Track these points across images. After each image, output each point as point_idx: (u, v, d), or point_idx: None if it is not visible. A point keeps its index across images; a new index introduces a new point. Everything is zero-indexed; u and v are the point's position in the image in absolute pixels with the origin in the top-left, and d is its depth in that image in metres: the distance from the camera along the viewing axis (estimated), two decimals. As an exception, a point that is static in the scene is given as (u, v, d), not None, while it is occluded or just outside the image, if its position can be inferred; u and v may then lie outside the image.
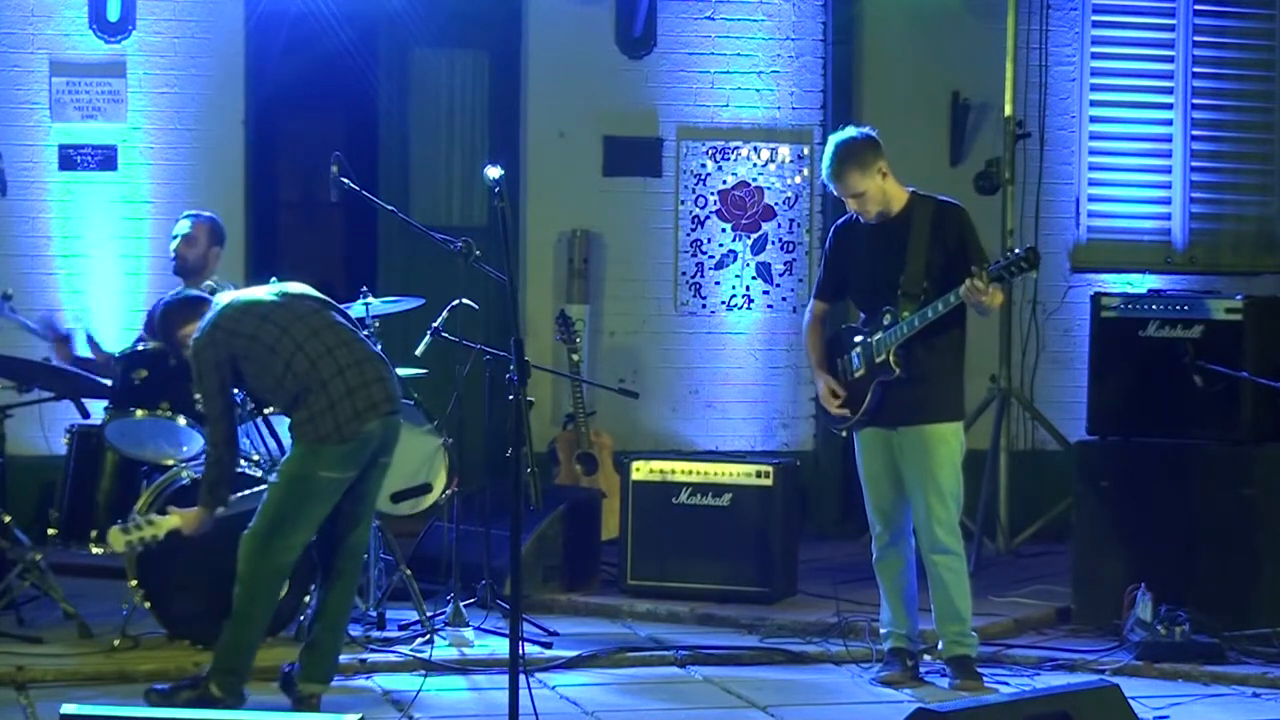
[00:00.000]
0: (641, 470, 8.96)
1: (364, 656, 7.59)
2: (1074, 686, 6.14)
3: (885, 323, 7.35)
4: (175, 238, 8.77)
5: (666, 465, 9.00)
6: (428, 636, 7.92)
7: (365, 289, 8.31)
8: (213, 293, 8.73)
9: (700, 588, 8.76)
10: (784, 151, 11.09)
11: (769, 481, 8.82)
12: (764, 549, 8.78)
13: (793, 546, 8.99)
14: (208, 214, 8.88)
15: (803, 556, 9.19)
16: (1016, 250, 7.23)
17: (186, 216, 8.85)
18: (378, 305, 8.27)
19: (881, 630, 7.66)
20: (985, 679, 7.46)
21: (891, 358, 7.32)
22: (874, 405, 7.39)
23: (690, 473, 8.92)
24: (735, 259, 11.02)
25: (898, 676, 7.50)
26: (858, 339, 7.48)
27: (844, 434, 7.67)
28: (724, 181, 11.01)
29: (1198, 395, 8.15)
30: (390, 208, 8.22)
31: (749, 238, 11.03)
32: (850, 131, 7.45)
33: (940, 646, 7.54)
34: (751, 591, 8.73)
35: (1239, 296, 8.39)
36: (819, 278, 7.79)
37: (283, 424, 7.93)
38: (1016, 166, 10.67)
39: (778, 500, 8.81)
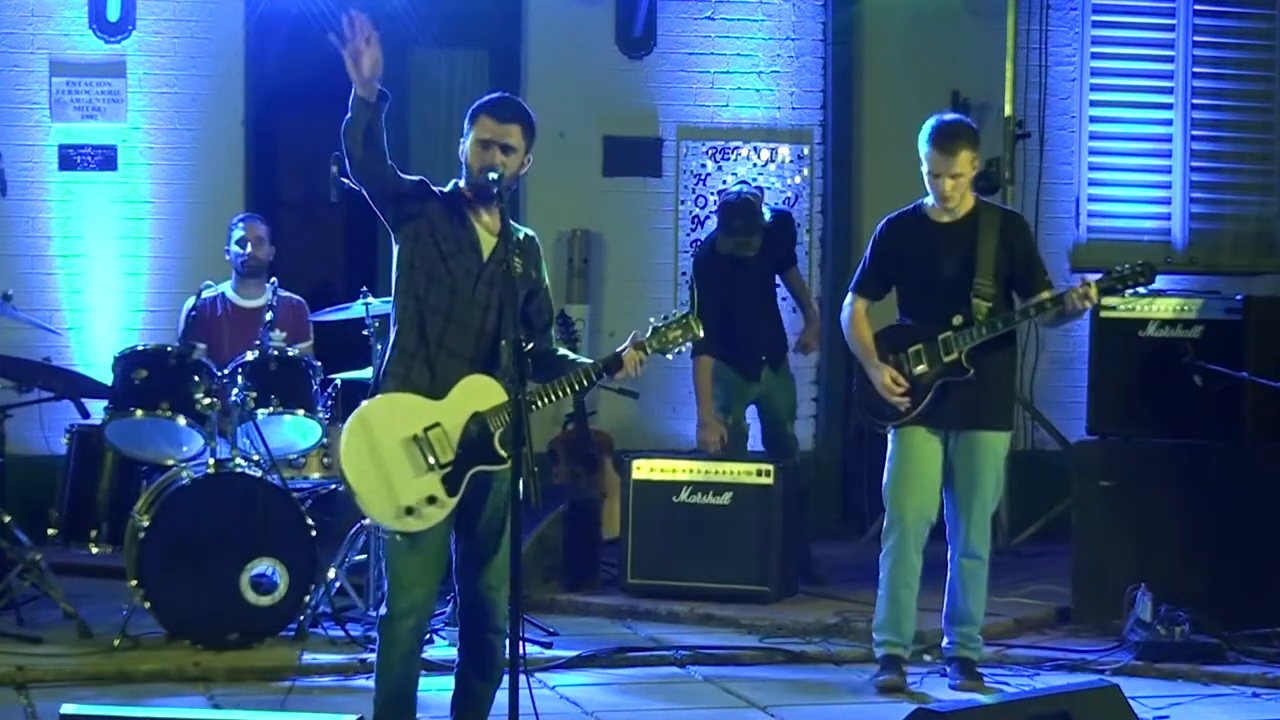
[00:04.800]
0: (642, 469, 8.96)
1: (364, 656, 7.58)
2: (1074, 686, 6.13)
3: (956, 323, 7.24)
4: (242, 241, 8.80)
5: (667, 464, 8.99)
6: (428, 636, 7.91)
7: (365, 289, 8.30)
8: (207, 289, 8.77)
9: (700, 586, 8.75)
10: (784, 151, 11.10)
11: (770, 480, 8.81)
12: (764, 548, 8.77)
13: (793, 546, 8.99)
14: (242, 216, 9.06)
15: (803, 556, 9.20)
16: (1134, 265, 7.13)
17: (245, 220, 8.93)
18: (377, 305, 8.25)
19: (877, 636, 7.52)
20: (985, 679, 7.45)
21: (964, 358, 7.25)
22: (932, 404, 7.28)
23: (691, 471, 8.92)
24: (735, 259, 11.01)
25: (897, 682, 7.41)
26: (918, 337, 7.31)
27: (885, 431, 7.43)
28: (724, 181, 11.01)
29: (1198, 395, 8.15)
30: (390, 207, 8.20)
31: (749, 238, 11.01)
32: (961, 116, 7.41)
33: (945, 646, 7.51)
34: (752, 590, 8.72)
35: (1239, 296, 8.39)
36: (864, 273, 7.53)
37: (272, 425, 7.94)
38: (1016, 166, 10.68)
39: (778, 499, 8.81)
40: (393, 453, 5.62)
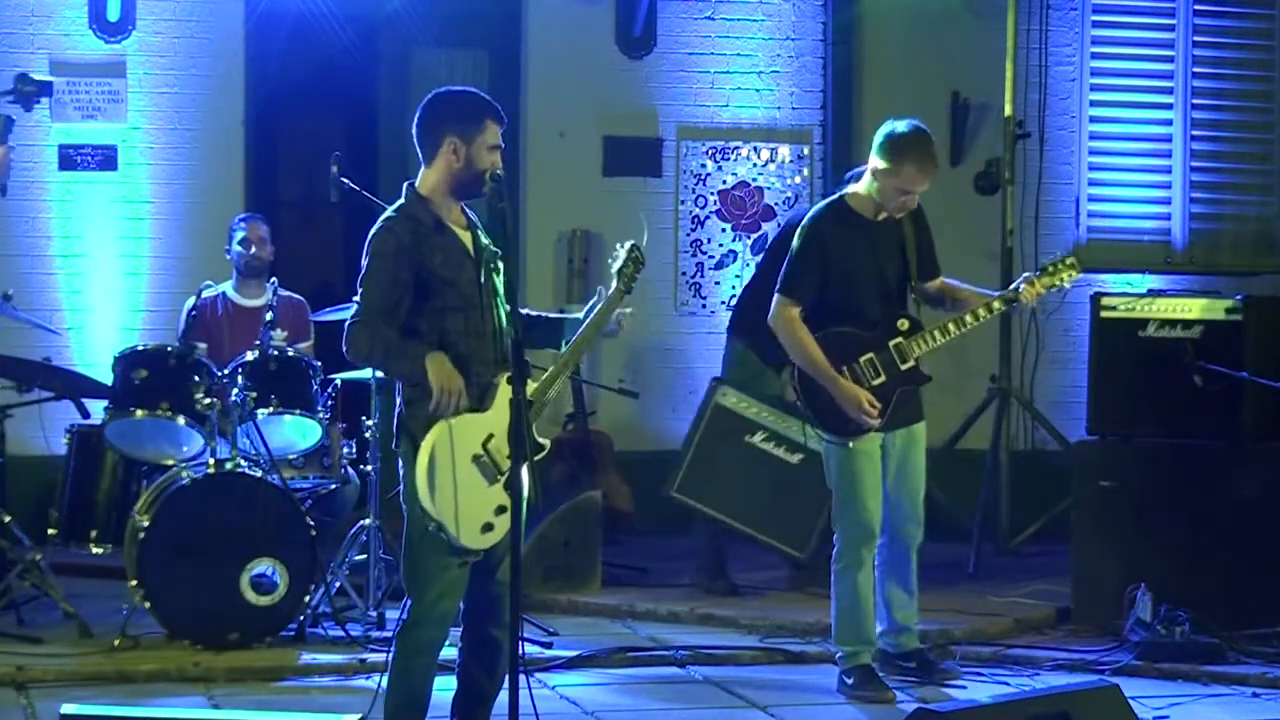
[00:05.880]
0: (729, 398, 8.84)
1: (364, 656, 7.58)
2: (1074, 686, 6.14)
3: (904, 328, 7.15)
4: (245, 241, 8.82)
5: (755, 404, 8.82)
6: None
7: (365, 289, 8.29)
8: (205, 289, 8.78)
9: (735, 526, 8.73)
10: (784, 151, 11.10)
11: None
12: (814, 516, 8.51)
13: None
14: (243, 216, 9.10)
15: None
16: (1063, 258, 7.27)
17: (247, 220, 8.94)
18: (378, 305, 8.25)
19: (849, 648, 7.27)
20: (983, 678, 7.45)
21: (919, 364, 7.18)
22: (892, 412, 7.16)
23: (774, 419, 8.77)
24: (735, 259, 11.02)
25: (890, 695, 7.21)
26: (866, 346, 7.14)
27: (849, 445, 7.17)
28: (724, 181, 11.02)
29: (1198, 395, 8.15)
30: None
31: (749, 238, 11.04)
32: (922, 125, 7.17)
33: (893, 640, 7.39)
34: (786, 551, 8.71)
35: (1239, 296, 8.39)
36: (800, 275, 7.18)
37: (272, 425, 7.93)
38: (1016, 166, 10.68)
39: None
40: (464, 475, 5.65)
